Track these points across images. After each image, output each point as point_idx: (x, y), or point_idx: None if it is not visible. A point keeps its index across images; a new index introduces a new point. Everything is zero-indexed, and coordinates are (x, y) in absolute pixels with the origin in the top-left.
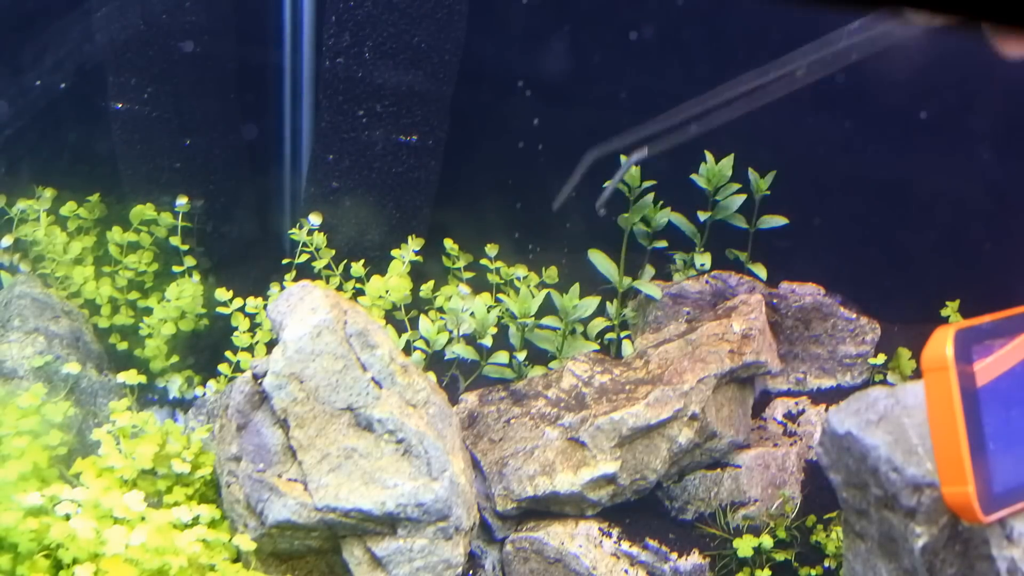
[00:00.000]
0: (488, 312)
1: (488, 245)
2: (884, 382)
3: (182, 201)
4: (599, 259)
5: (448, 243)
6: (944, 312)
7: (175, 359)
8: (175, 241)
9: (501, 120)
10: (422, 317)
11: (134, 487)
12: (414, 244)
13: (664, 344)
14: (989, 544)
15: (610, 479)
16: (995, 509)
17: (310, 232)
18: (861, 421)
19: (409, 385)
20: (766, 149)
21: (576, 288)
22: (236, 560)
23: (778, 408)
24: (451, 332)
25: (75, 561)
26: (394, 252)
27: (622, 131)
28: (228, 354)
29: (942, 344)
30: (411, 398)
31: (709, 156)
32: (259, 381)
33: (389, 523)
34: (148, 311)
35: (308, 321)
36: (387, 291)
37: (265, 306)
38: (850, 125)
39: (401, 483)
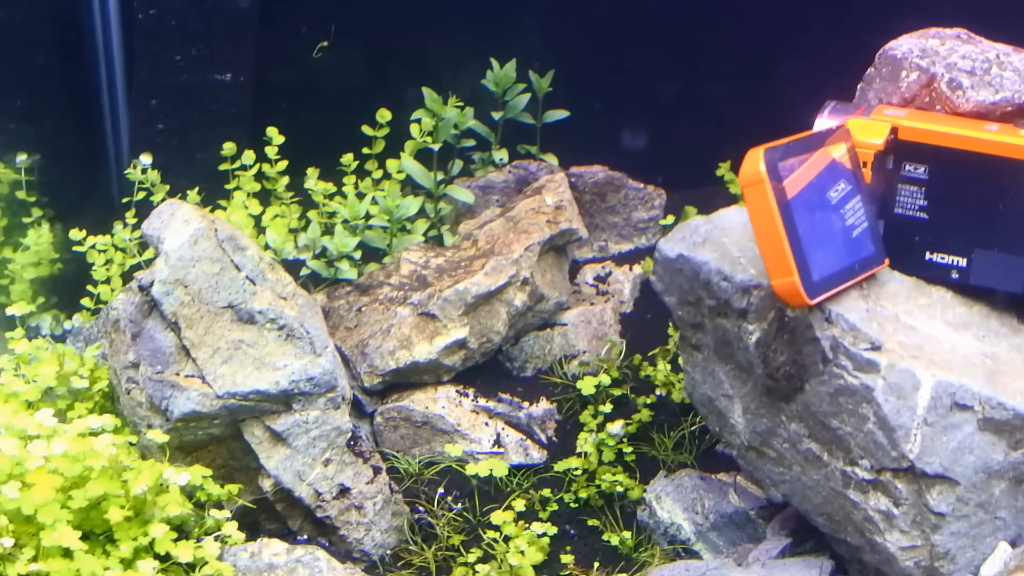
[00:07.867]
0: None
1: (310, 168)
2: None
3: (22, 158)
4: (412, 167)
5: (267, 167)
6: (719, 172)
7: (41, 300)
8: (21, 195)
9: (304, 54)
10: (268, 228)
11: (39, 409)
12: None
13: (487, 224)
14: (813, 328)
15: (461, 344)
16: (817, 294)
17: (144, 171)
18: (689, 244)
19: (278, 280)
20: (545, 50)
21: (396, 189)
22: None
23: (588, 273)
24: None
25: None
26: (228, 186)
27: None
28: (90, 288)
29: (755, 162)
30: (281, 291)
31: (494, 63)
32: (146, 292)
33: (284, 400)
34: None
35: (184, 231)
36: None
37: (112, 244)
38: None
39: (290, 363)
